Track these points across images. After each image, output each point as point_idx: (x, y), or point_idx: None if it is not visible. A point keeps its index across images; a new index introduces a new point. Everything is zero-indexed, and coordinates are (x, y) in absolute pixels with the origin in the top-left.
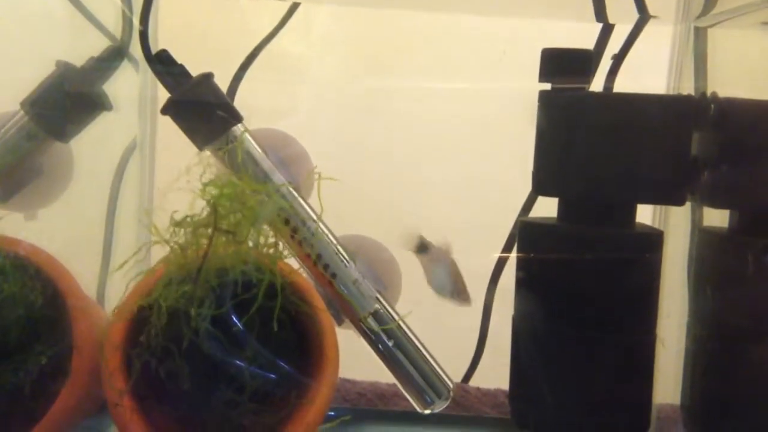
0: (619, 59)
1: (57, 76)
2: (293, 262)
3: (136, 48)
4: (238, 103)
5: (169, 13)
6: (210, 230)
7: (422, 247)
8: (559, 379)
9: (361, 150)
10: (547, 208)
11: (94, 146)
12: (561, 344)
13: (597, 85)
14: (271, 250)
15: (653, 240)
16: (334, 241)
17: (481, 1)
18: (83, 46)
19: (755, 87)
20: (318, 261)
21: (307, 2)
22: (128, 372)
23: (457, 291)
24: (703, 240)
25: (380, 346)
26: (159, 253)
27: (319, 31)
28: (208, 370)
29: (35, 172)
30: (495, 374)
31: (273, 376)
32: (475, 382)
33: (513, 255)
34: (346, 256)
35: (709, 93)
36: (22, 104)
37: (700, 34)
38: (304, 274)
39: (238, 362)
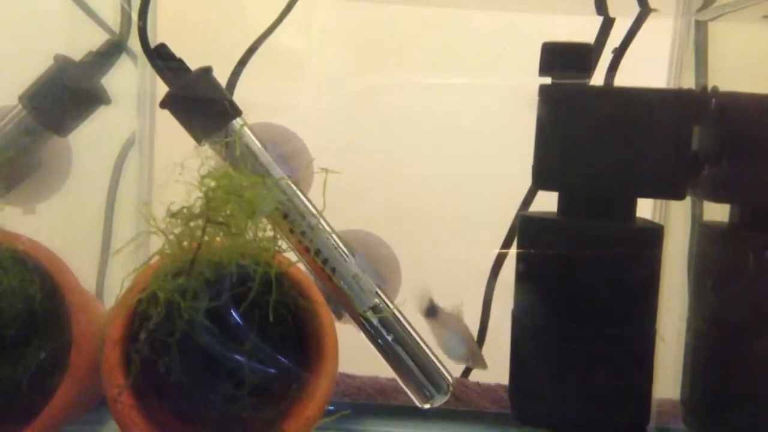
0: (619, 53)
1: (55, 70)
2: (292, 257)
3: (134, 42)
4: (237, 98)
5: (167, 7)
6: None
7: (431, 311)
8: (559, 374)
9: (360, 144)
10: (547, 202)
11: (93, 141)
12: (561, 339)
13: (597, 79)
14: (269, 244)
15: (653, 234)
16: (334, 236)
17: None
18: (82, 40)
19: (756, 81)
20: (317, 255)
21: None
22: (128, 367)
23: (471, 356)
24: (704, 235)
25: (380, 341)
26: (159, 246)
27: (319, 26)
28: (207, 364)
29: (34, 166)
30: (495, 369)
31: (272, 370)
32: (474, 377)
33: (513, 249)
34: (346, 251)
35: (710, 87)
36: (21, 98)
37: (700, 28)
38: (304, 269)
39: (236, 356)
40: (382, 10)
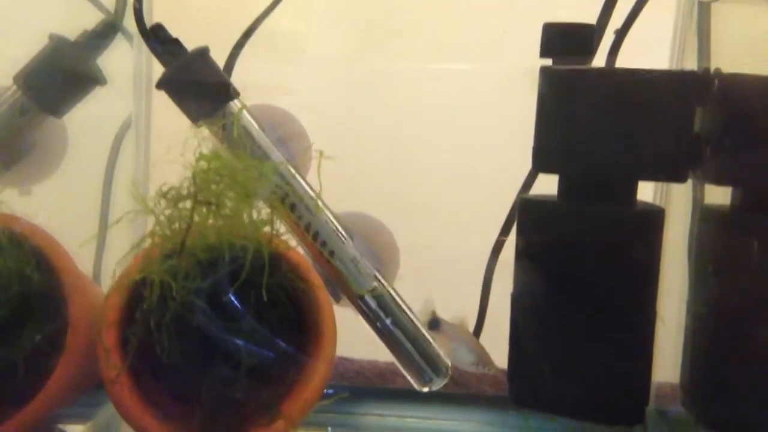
0: (621, 34)
1: (50, 49)
2: (291, 241)
3: (130, 22)
4: (235, 80)
5: None
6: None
7: (434, 324)
8: (558, 357)
9: (359, 128)
10: (547, 186)
11: (89, 122)
12: (560, 322)
13: (599, 60)
14: (266, 227)
15: (654, 217)
16: (332, 219)
17: None
18: (77, 20)
19: (759, 62)
20: (315, 238)
21: None
22: (124, 349)
23: (481, 363)
24: (705, 218)
25: (378, 324)
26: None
27: (318, 9)
28: (204, 346)
29: (29, 147)
30: (493, 353)
31: (269, 353)
32: None
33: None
34: (344, 234)
35: (712, 69)
36: (15, 79)
37: (703, 9)
38: (302, 252)
39: (233, 339)
40: None
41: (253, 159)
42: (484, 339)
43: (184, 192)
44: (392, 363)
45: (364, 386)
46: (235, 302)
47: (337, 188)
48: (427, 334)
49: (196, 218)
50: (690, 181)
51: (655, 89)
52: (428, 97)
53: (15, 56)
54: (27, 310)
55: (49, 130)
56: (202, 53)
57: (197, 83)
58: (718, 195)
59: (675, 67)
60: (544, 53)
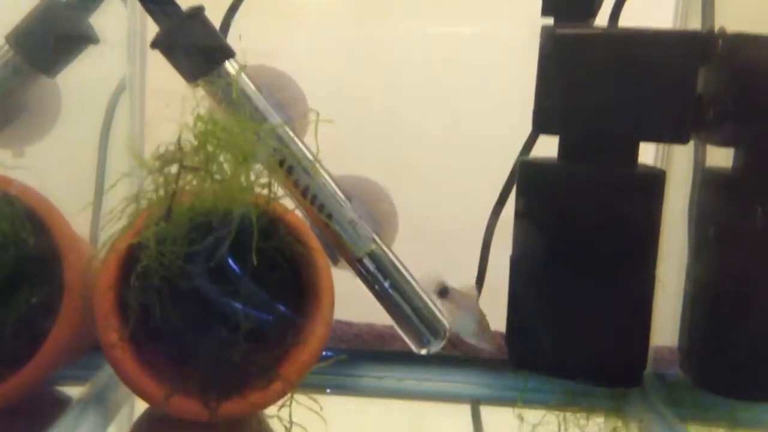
0: None
1: (43, 8)
2: (289, 204)
3: None
4: (231, 42)
5: None
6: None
7: (443, 292)
8: (557, 319)
9: (358, 91)
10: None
11: (83, 82)
12: (559, 284)
13: (602, 20)
14: (265, 190)
15: (655, 180)
16: (330, 181)
17: None
18: None
19: (764, 21)
20: (314, 201)
21: None
22: (122, 312)
23: (481, 335)
24: (706, 180)
25: (376, 287)
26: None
27: None
28: (202, 309)
29: (22, 108)
30: (492, 316)
31: (267, 316)
32: None
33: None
34: (342, 196)
35: (716, 28)
36: (7, 38)
37: None
38: (300, 215)
39: (230, 301)
40: None
41: (251, 121)
42: (482, 301)
43: (178, 155)
44: (390, 326)
45: (363, 349)
46: (233, 265)
47: (334, 152)
48: (425, 297)
49: (194, 182)
50: (691, 143)
51: (658, 49)
52: (428, 59)
53: (7, 16)
54: (22, 272)
55: (43, 90)
56: (197, 12)
57: (192, 43)
58: (720, 157)
59: (678, 26)
60: (545, 12)
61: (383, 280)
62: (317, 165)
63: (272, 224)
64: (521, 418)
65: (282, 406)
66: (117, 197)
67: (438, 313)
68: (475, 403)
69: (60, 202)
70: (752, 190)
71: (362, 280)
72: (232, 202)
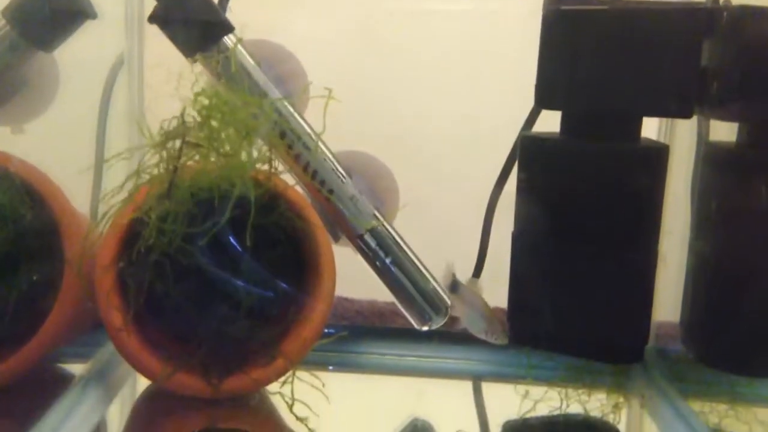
0: None
1: None
2: (290, 180)
3: None
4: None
5: None
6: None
7: (454, 287)
8: (558, 295)
9: (359, 68)
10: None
11: (81, 58)
12: (561, 261)
13: None
14: (265, 166)
15: (658, 154)
16: (331, 157)
17: None
18: None
19: None
20: (314, 177)
21: None
22: (122, 290)
23: (490, 332)
24: (710, 155)
25: (377, 263)
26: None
27: None
28: (203, 286)
29: (20, 84)
30: (493, 293)
31: (268, 292)
32: None
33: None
34: (343, 172)
35: (721, 0)
36: (4, 13)
37: None
38: (300, 191)
39: (231, 278)
40: None
41: (251, 95)
42: (483, 276)
43: (181, 129)
44: (392, 303)
45: (364, 325)
46: (234, 242)
47: (335, 128)
48: (426, 273)
49: (197, 157)
50: (695, 118)
51: (662, 22)
52: (427, 36)
53: None
54: (23, 250)
55: (41, 66)
56: None
57: (191, 17)
58: (724, 131)
59: None
60: None
61: (384, 256)
62: (318, 140)
63: (273, 200)
64: (526, 394)
65: (284, 382)
66: (117, 173)
67: (440, 290)
68: (477, 379)
69: (59, 179)
70: (756, 165)
71: (363, 256)
72: (234, 178)
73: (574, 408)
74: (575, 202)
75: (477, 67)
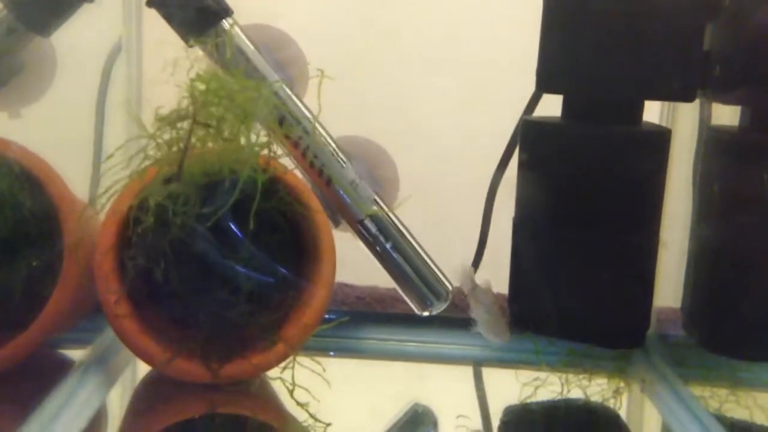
0: None
1: None
2: (289, 164)
3: None
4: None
5: None
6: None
7: (473, 291)
8: (560, 280)
9: (360, 52)
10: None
11: (78, 43)
12: (562, 245)
13: None
14: (264, 150)
15: (660, 138)
16: (331, 142)
17: None
18: None
19: None
20: (314, 162)
21: None
22: (122, 274)
23: (496, 330)
24: (712, 139)
25: (378, 248)
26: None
27: None
28: (203, 271)
29: (17, 68)
30: (494, 278)
31: (268, 277)
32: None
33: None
34: (343, 157)
35: None
36: None
37: None
38: (300, 175)
39: (231, 263)
40: None
41: (249, 79)
42: (484, 262)
43: (182, 113)
44: (392, 288)
45: (365, 311)
46: (234, 227)
47: (334, 113)
48: (427, 258)
49: (194, 141)
50: (697, 102)
51: (664, 5)
52: (430, 19)
53: None
54: (22, 236)
55: (38, 51)
56: None
57: (189, 1)
58: (726, 115)
59: None
60: None
61: (385, 241)
62: (317, 125)
63: (272, 185)
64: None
65: (285, 368)
66: (116, 158)
67: (440, 275)
68: (477, 364)
69: (57, 164)
70: (759, 150)
71: (363, 241)
72: (235, 162)
73: (575, 393)
74: (576, 187)
75: (477, 49)
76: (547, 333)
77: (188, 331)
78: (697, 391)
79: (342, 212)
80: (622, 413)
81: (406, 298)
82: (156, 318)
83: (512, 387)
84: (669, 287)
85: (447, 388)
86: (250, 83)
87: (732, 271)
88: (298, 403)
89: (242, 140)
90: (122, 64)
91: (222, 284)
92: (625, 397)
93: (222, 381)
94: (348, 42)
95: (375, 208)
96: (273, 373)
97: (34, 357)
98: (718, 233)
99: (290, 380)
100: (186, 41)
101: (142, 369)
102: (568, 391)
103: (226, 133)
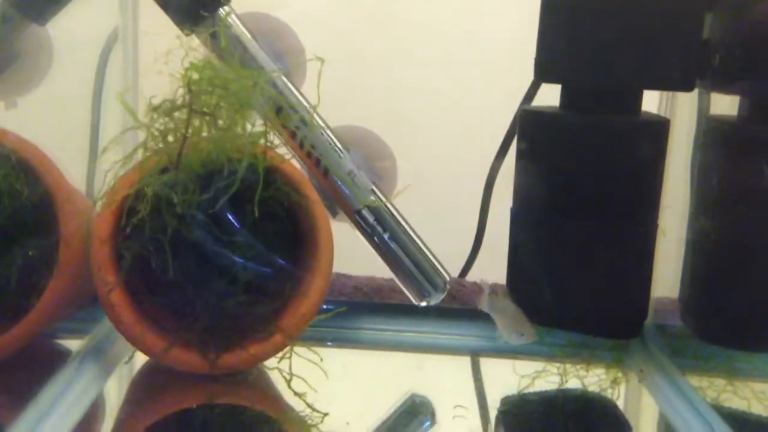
0: None
1: None
2: (286, 153)
3: None
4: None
5: None
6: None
7: (491, 305)
8: (558, 270)
9: (359, 43)
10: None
11: (74, 30)
12: (560, 234)
13: None
14: (261, 139)
15: (659, 128)
16: (328, 132)
17: None
18: None
19: None
20: (312, 152)
21: None
22: (118, 264)
23: (522, 332)
24: (711, 129)
25: (375, 239)
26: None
27: None
28: (200, 261)
29: (13, 57)
30: (493, 269)
31: (266, 268)
32: (472, 277)
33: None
34: (341, 147)
35: None
36: None
37: None
38: (297, 165)
39: (228, 253)
40: None
41: (246, 68)
42: (482, 253)
43: (179, 102)
44: (390, 279)
45: (362, 301)
46: (231, 217)
47: (332, 103)
48: (425, 248)
49: (190, 131)
50: (696, 91)
51: None
52: (429, 10)
53: None
54: (19, 225)
55: (33, 39)
56: None
57: None
58: (725, 105)
59: None
60: None
61: (382, 231)
62: (314, 115)
63: (269, 174)
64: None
65: (282, 358)
66: (113, 148)
67: (438, 266)
68: (475, 355)
69: (53, 153)
70: (757, 140)
71: (361, 232)
72: (232, 151)
73: (573, 383)
74: (575, 177)
75: (476, 39)
76: (545, 323)
77: (186, 321)
78: (695, 381)
79: (339, 202)
80: (620, 403)
81: (403, 289)
82: (153, 308)
83: (510, 377)
84: (667, 277)
85: (444, 379)
86: (246, 72)
87: (729, 261)
88: (296, 393)
89: (238, 129)
90: (119, 52)
91: (219, 274)
92: (622, 388)
93: (219, 371)
94: (347, 32)
95: (372, 198)
96: (270, 363)
97: (31, 347)
98: (716, 223)
99: (288, 370)
100: (183, 29)
101: (140, 359)
102: (566, 381)
103: (221, 122)
